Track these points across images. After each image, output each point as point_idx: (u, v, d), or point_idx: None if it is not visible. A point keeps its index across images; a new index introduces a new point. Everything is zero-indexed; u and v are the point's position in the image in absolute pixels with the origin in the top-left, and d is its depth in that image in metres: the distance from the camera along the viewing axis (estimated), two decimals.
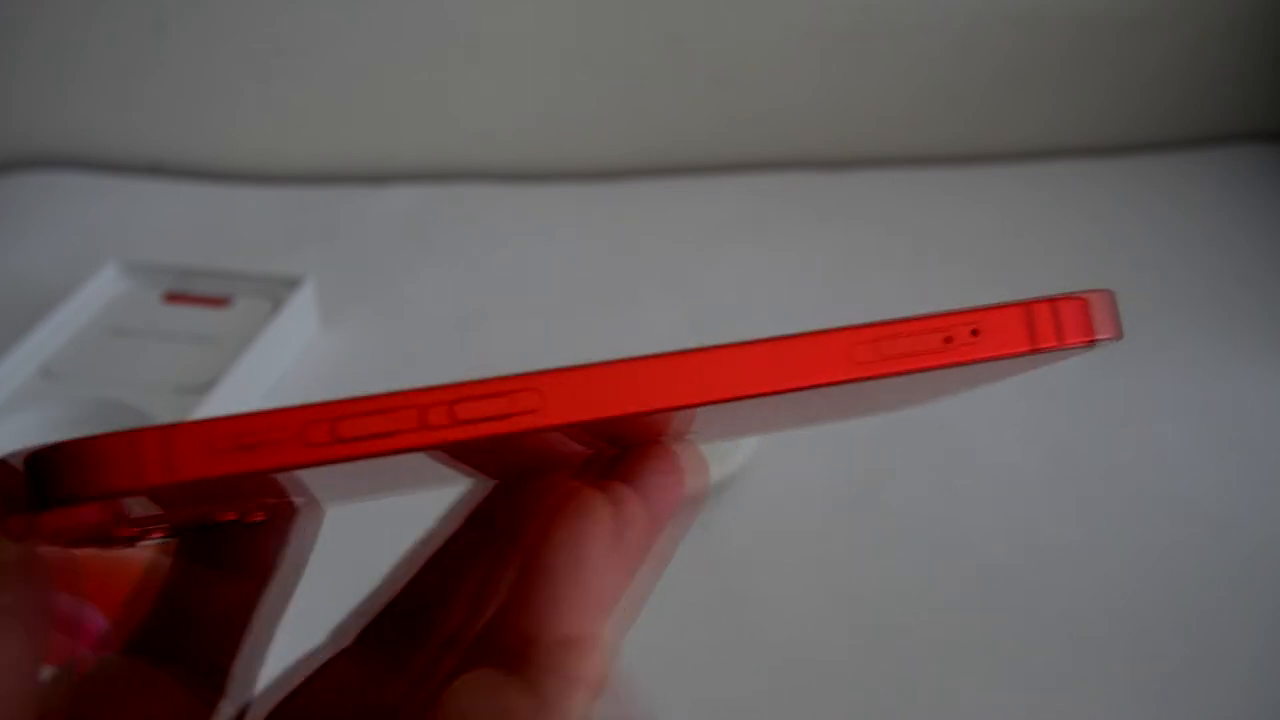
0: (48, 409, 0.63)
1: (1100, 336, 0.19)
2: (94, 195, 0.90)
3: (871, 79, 0.94)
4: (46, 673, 0.21)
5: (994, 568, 0.54)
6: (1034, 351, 0.19)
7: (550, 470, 0.22)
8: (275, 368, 0.69)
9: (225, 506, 0.19)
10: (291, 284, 0.72)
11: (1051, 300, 0.19)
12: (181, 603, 0.22)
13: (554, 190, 0.91)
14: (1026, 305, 0.19)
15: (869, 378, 0.19)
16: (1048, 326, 0.19)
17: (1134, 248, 0.81)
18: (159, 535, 0.21)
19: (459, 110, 0.95)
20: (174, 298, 0.72)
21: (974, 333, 0.19)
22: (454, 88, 0.94)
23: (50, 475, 0.15)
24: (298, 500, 0.21)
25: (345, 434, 0.17)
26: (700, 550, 0.56)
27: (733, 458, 0.59)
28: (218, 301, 0.72)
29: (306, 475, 0.18)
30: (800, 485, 0.60)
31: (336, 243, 0.84)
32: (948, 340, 0.19)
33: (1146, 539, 0.56)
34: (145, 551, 0.22)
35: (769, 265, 0.80)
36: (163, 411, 0.61)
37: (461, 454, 0.18)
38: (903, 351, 0.19)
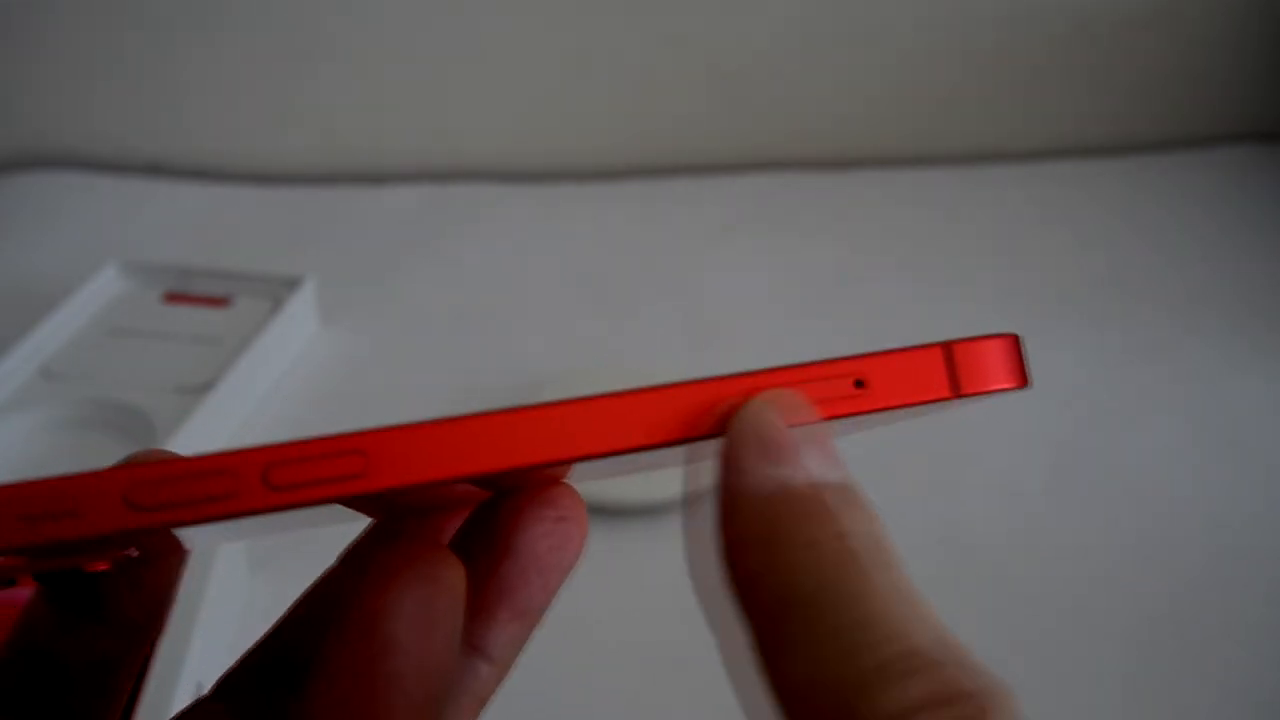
0: (48, 409, 0.63)
1: (1010, 384, 0.18)
2: (94, 195, 0.90)
3: (871, 79, 0.94)
4: None
5: (993, 566, 0.54)
6: (954, 398, 0.18)
7: (444, 507, 0.21)
8: (275, 368, 0.69)
9: (90, 556, 0.18)
10: (291, 284, 0.72)
11: (963, 344, 0.18)
12: (44, 652, 0.20)
13: (554, 190, 0.91)
14: (945, 348, 0.18)
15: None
16: (969, 370, 0.18)
17: (1134, 247, 0.81)
18: (20, 578, 0.20)
19: (459, 110, 0.95)
20: (174, 298, 0.72)
21: (859, 384, 0.18)
22: (454, 88, 0.94)
23: None
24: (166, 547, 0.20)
25: (145, 501, 0.16)
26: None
27: None
28: (218, 301, 0.72)
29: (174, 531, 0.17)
30: None
31: (336, 243, 0.84)
32: (859, 385, 0.18)
33: (1145, 538, 0.56)
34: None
35: (769, 265, 0.80)
36: (163, 411, 0.61)
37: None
38: (814, 399, 0.18)
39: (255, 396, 0.66)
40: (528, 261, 0.82)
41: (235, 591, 0.50)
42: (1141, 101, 0.95)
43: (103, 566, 0.19)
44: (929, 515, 0.58)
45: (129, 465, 0.16)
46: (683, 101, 0.95)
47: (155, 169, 0.95)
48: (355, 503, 0.18)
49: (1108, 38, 0.92)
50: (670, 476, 0.62)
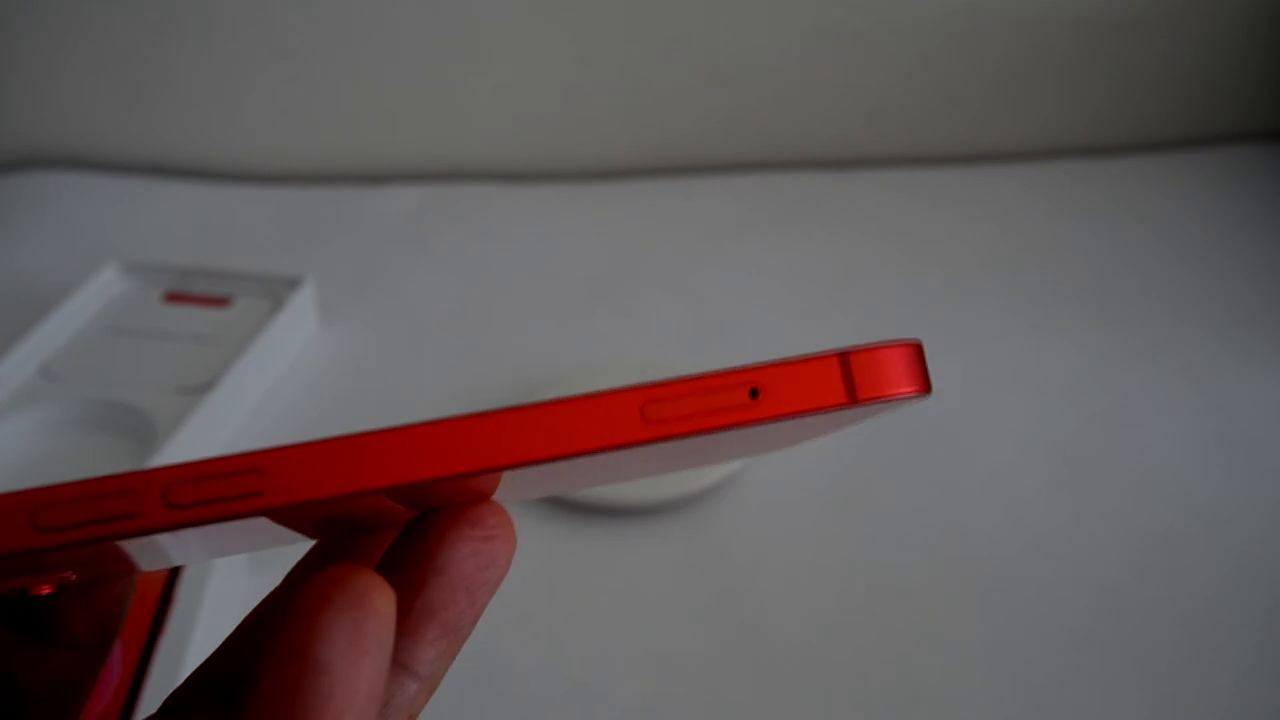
0: (48, 409, 0.63)
1: (909, 390, 0.18)
2: (94, 195, 0.90)
3: (871, 79, 0.94)
4: None
5: (993, 566, 0.54)
6: (852, 404, 0.18)
7: (377, 527, 0.21)
8: (275, 368, 0.69)
9: (22, 580, 0.19)
10: (291, 284, 0.72)
11: (866, 350, 0.18)
12: (1, 672, 0.20)
13: (554, 190, 0.91)
14: (841, 355, 0.18)
15: (642, 442, 0.18)
16: (867, 377, 0.18)
17: (1134, 248, 0.81)
18: None
19: (459, 110, 0.95)
20: (174, 298, 0.72)
21: (754, 393, 0.18)
22: (454, 88, 0.94)
23: None
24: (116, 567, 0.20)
25: (49, 523, 0.16)
26: (699, 550, 0.56)
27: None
28: (218, 301, 0.72)
29: (117, 548, 0.17)
30: (799, 485, 0.60)
31: (336, 243, 0.84)
32: (754, 394, 0.18)
33: (1145, 538, 0.56)
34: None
35: (769, 265, 0.80)
36: (163, 411, 0.61)
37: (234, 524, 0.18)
38: (690, 412, 0.18)
39: (255, 396, 0.66)
40: (528, 261, 0.82)
41: (235, 592, 0.50)
42: (1142, 101, 0.95)
43: (45, 589, 0.19)
44: (929, 516, 0.58)
45: (36, 488, 0.16)
46: (683, 101, 0.95)
47: (155, 169, 0.95)
48: (285, 521, 0.18)
49: (1108, 38, 0.93)
50: (670, 477, 0.62)
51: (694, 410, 0.18)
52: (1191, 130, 0.96)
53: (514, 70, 0.93)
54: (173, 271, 0.74)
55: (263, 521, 0.18)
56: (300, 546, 0.22)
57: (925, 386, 0.18)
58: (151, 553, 0.19)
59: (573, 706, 0.48)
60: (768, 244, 0.83)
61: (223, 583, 0.49)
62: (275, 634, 0.16)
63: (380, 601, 0.17)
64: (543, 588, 0.54)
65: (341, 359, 0.71)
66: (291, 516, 0.18)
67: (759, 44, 0.92)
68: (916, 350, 0.18)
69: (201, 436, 0.61)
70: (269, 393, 0.68)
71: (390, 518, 0.20)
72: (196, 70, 0.94)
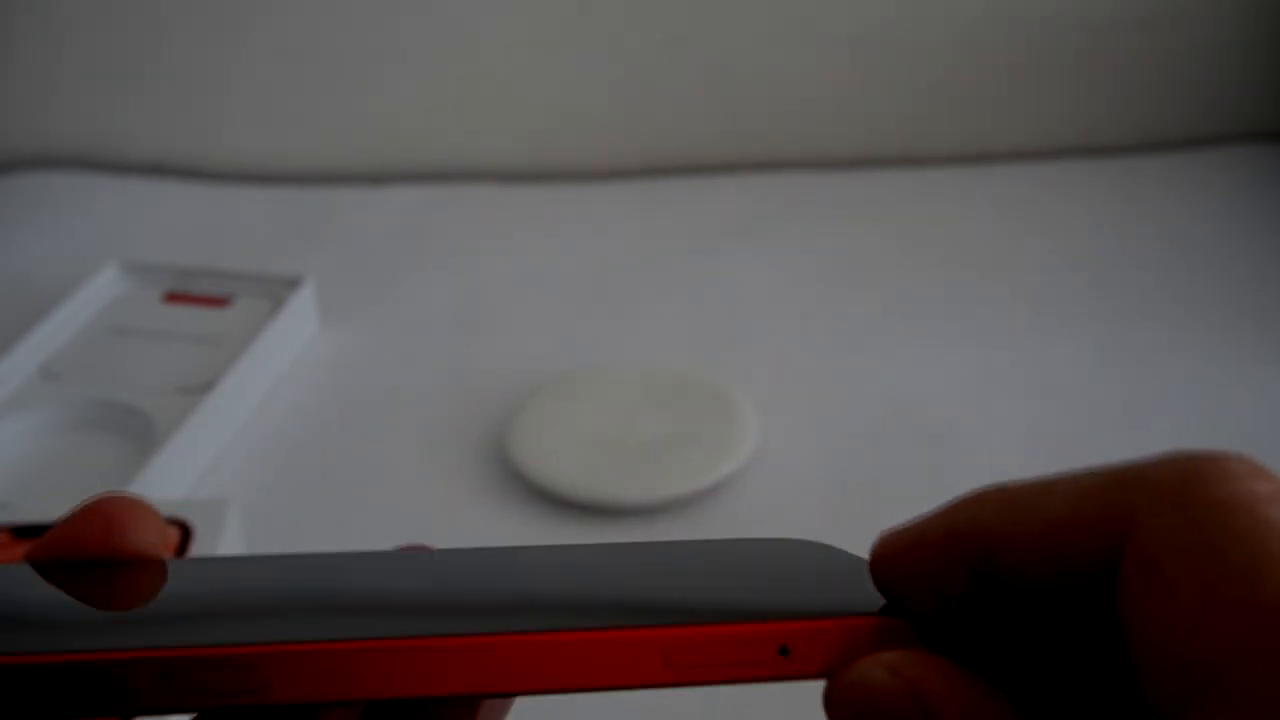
0: (48, 409, 0.63)
1: None
2: (94, 195, 0.90)
3: (872, 79, 0.94)
4: None
5: None
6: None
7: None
8: (275, 368, 0.69)
9: None
10: (291, 284, 0.72)
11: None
12: None
13: (554, 190, 0.91)
14: (880, 616, 0.17)
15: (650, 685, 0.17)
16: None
17: (1136, 247, 0.81)
18: None
19: (459, 110, 0.95)
20: (174, 298, 0.72)
21: (784, 650, 0.17)
22: (454, 88, 0.94)
23: None
24: None
25: None
26: None
27: (733, 457, 0.59)
28: (218, 301, 0.72)
29: None
30: (800, 485, 0.60)
31: (336, 243, 0.84)
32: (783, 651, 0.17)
33: None
34: None
35: (769, 266, 0.80)
36: (163, 411, 0.61)
37: None
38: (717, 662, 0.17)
39: (255, 397, 0.66)
40: (528, 261, 0.82)
41: None
42: (1142, 101, 0.95)
43: None
44: None
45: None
46: (683, 101, 0.95)
47: (155, 169, 0.95)
48: None
49: (1108, 38, 0.92)
50: (669, 477, 0.62)
51: (719, 661, 0.18)
52: (1194, 130, 0.96)
53: (514, 70, 0.93)
54: (173, 271, 0.74)
55: None
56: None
57: None
58: None
59: (571, 705, 0.48)
60: (768, 244, 0.83)
61: None
62: None
63: None
64: None
65: (341, 359, 0.71)
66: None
67: (760, 44, 0.92)
68: None
69: (201, 437, 0.61)
70: (269, 393, 0.67)
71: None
72: (196, 70, 0.94)
